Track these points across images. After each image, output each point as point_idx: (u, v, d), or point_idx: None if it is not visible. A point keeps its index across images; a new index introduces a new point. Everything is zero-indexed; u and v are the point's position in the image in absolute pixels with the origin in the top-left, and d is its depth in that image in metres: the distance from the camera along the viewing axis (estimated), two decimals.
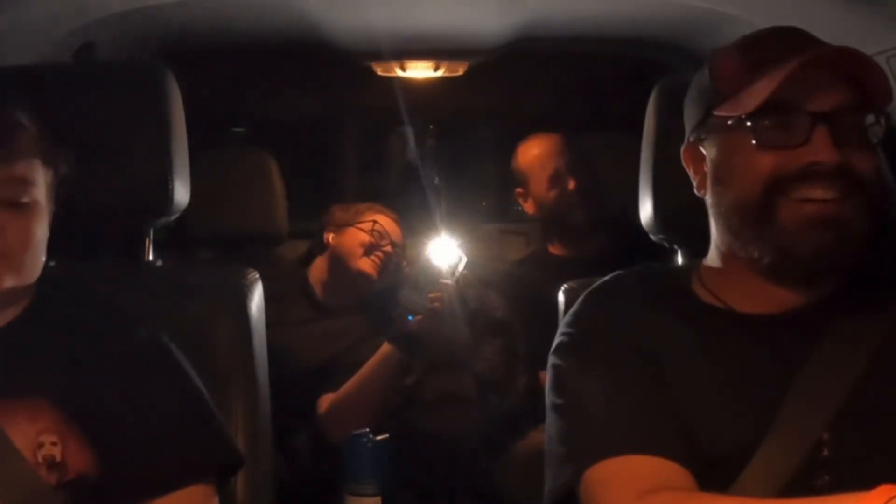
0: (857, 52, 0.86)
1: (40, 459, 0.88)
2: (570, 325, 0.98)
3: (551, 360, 0.98)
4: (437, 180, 2.72)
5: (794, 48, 0.87)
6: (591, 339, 0.94)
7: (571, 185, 2.05)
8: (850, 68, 0.86)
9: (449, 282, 1.72)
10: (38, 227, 0.94)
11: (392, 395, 1.79)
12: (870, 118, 0.89)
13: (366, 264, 1.89)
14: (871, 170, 0.87)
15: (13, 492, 0.85)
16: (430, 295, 1.73)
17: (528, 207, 2.18)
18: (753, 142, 0.88)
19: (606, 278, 1.03)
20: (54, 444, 0.89)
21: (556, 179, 2.07)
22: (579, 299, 1.01)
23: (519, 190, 2.18)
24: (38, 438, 0.89)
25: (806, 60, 0.84)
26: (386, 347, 1.75)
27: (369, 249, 1.90)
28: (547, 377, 0.98)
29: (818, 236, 0.85)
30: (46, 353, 0.95)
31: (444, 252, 1.75)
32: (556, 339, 0.99)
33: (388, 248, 1.92)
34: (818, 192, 0.85)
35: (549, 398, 0.95)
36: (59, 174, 0.98)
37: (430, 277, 1.73)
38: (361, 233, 1.92)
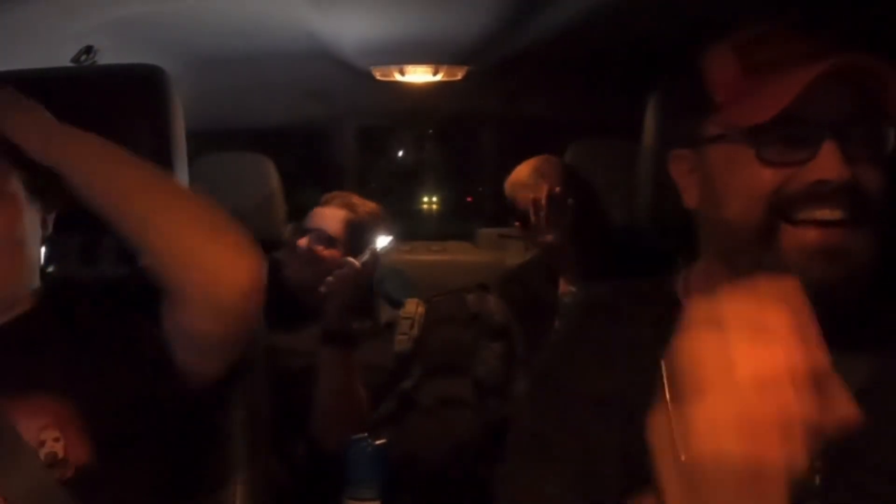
0: (876, 59, 0.76)
1: (42, 458, 0.88)
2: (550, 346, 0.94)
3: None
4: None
5: (798, 51, 0.79)
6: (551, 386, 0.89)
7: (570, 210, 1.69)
8: (864, 75, 0.77)
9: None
10: (17, 222, 0.95)
11: (366, 397, 1.74)
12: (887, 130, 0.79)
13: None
14: (880, 190, 0.78)
15: (23, 488, 0.86)
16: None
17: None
18: (755, 156, 0.79)
19: (590, 293, 0.98)
20: (56, 439, 0.89)
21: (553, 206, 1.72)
22: (566, 317, 0.99)
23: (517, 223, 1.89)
24: (40, 436, 0.89)
25: (823, 71, 0.74)
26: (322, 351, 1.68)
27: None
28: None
29: (823, 267, 0.77)
30: (47, 350, 0.95)
31: None
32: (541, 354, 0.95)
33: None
34: (825, 213, 0.77)
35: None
36: (40, 175, 0.97)
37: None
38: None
